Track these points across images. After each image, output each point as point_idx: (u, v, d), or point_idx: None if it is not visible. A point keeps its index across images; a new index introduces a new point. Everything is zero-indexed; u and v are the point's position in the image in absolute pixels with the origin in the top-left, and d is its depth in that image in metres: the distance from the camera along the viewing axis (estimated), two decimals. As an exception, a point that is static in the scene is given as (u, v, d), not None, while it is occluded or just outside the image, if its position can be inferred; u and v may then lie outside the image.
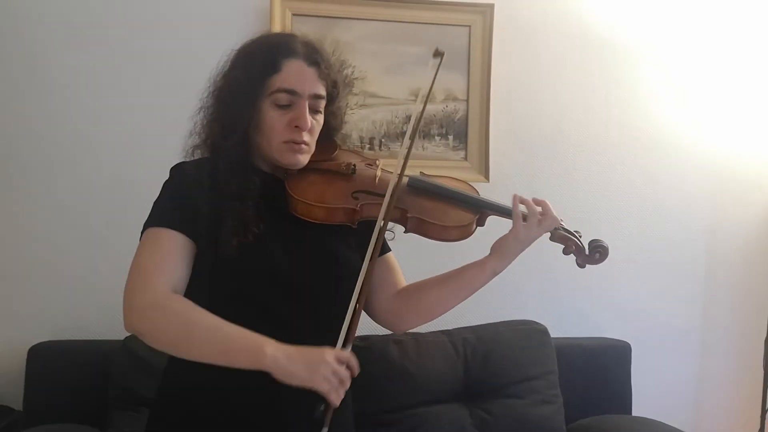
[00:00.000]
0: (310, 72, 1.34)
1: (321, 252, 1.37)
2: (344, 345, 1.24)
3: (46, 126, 2.29)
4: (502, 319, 2.37)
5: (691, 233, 2.64)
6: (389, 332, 2.22)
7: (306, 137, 1.35)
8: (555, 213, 1.42)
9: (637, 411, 2.44)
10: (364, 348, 2.20)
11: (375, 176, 1.44)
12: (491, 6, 2.42)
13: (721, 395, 2.69)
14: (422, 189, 1.46)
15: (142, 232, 1.32)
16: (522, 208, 1.42)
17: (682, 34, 2.58)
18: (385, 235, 1.48)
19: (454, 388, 2.22)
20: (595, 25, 2.53)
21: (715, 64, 2.60)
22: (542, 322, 2.36)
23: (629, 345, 2.45)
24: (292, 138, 1.33)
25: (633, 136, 2.58)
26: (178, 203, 1.31)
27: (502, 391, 2.23)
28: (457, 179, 1.54)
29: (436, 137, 2.46)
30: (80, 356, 2.19)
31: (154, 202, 1.35)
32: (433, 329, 2.31)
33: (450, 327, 2.34)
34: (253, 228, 1.28)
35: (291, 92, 1.32)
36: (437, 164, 2.42)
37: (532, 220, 1.40)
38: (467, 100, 2.46)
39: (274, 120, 1.33)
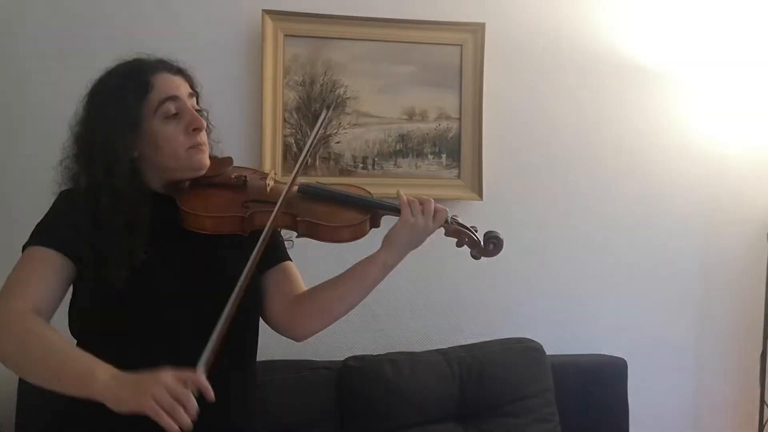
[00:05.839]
0: (177, 78, 1.42)
1: (210, 264, 1.39)
2: (201, 365, 1.13)
3: (36, 140, 2.27)
4: (497, 338, 2.36)
5: (685, 249, 2.64)
6: (384, 351, 2.26)
7: (204, 137, 1.42)
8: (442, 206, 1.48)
9: (634, 428, 2.43)
10: (358, 368, 2.19)
11: (266, 186, 1.48)
12: (482, 25, 2.44)
13: (718, 411, 2.68)
14: (313, 194, 1.50)
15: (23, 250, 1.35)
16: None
17: (672, 52, 2.59)
18: (286, 244, 1.54)
19: (449, 407, 2.20)
20: (586, 44, 2.55)
21: (705, 81, 2.61)
22: (537, 340, 2.35)
23: (625, 361, 2.45)
24: (193, 142, 1.39)
25: (625, 153, 2.59)
26: (60, 224, 1.34)
27: (497, 410, 2.22)
28: (353, 185, 1.58)
29: (429, 156, 2.46)
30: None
31: (37, 224, 1.38)
32: (428, 348, 2.31)
33: (444, 346, 2.33)
34: (141, 254, 1.30)
35: (173, 98, 1.37)
36: (430, 183, 2.43)
37: (421, 208, 1.45)
38: (460, 119, 2.47)
39: (171, 132, 1.37)
